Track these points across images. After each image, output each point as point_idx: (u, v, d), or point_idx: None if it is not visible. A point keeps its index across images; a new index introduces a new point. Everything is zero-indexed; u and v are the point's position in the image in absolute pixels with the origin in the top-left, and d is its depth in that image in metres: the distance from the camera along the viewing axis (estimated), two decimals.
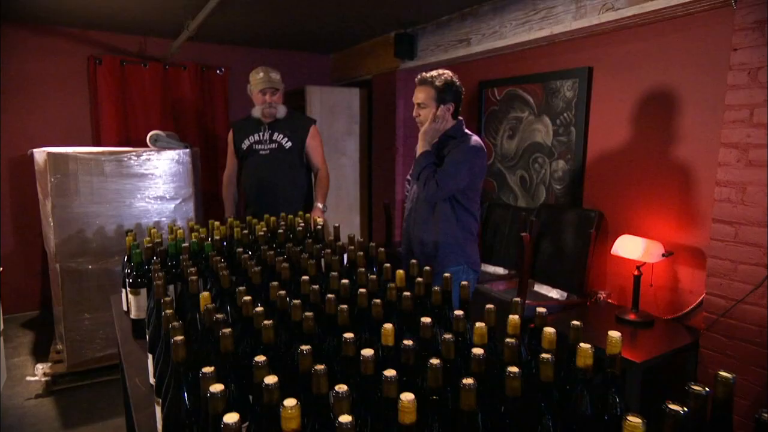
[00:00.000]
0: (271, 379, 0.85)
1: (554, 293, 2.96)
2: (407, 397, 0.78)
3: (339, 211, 5.07)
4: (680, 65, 2.54)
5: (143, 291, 1.75)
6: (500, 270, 3.40)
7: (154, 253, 1.82)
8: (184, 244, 1.83)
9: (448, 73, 2.18)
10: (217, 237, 2.03)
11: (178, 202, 3.23)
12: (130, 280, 1.75)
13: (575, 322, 1.09)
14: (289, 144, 2.90)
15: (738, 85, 2.09)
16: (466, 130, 2.24)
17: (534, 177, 3.38)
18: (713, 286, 2.21)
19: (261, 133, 2.94)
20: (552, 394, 0.94)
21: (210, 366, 0.89)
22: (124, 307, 2.03)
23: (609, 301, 2.87)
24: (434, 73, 2.18)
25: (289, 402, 0.76)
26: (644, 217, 2.73)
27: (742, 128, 2.09)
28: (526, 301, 2.64)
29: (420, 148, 2.22)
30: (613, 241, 2.66)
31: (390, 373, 0.86)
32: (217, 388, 0.81)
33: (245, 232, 2.07)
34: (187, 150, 3.25)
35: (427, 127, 2.19)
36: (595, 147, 2.99)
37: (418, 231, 2.31)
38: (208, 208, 4.40)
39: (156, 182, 3.15)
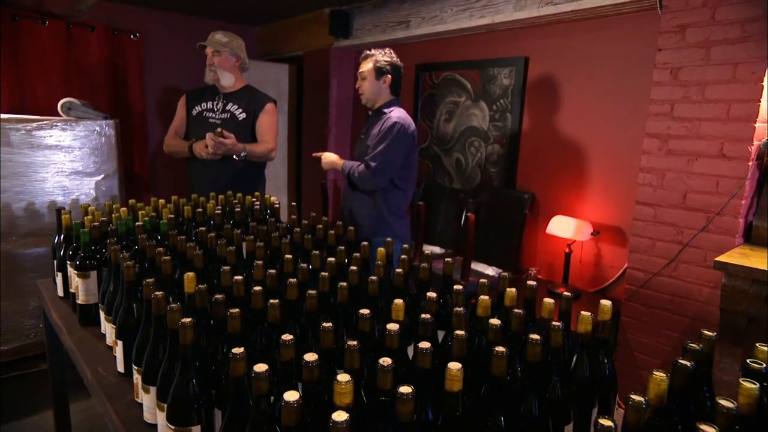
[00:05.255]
0: (311, 357, 0.83)
1: (490, 270, 3.14)
2: (455, 366, 0.81)
3: (266, 189, 4.90)
4: (609, 60, 2.78)
5: (93, 274, 1.59)
6: (437, 249, 3.53)
7: (104, 233, 1.66)
8: (138, 223, 1.69)
9: (388, 50, 2.43)
10: (170, 216, 1.89)
11: (99, 177, 2.94)
12: (78, 263, 1.58)
13: (567, 293, 1.19)
14: (243, 116, 2.75)
15: (661, 82, 2.34)
16: (395, 108, 2.42)
17: (470, 160, 3.53)
18: (634, 261, 2.49)
19: (214, 102, 2.77)
20: (560, 358, 1.03)
21: (240, 347, 0.86)
22: (60, 293, 1.83)
23: (539, 276, 3.11)
24: (376, 49, 2.42)
25: (343, 377, 0.76)
26: (573, 199, 2.98)
27: (663, 121, 2.35)
28: (469, 278, 2.78)
29: (338, 167, 2.45)
30: (544, 222, 2.88)
31: (425, 345, 0.89)
32: (261, 368, 0.78)
33: (199, 210, 1.96)
34: (111, 121, 2.96)
35: (326, 164, 2.50)
36: (529, 133, 3.19)
37: (349, 203, 2.48)
38: (128, 187, 4.06)
39: (74, 156, 2.84)
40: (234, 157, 2.65)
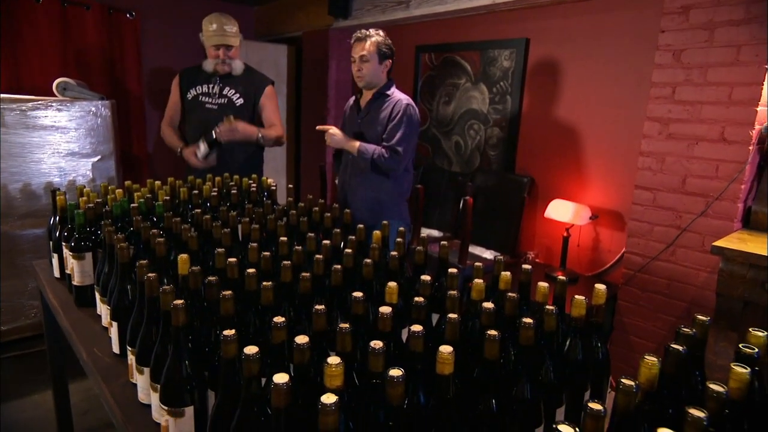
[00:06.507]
0: (302, 339, 0.83)
1: (488, 254, 3.14)
2: (446, 349, 0.80)
3: (264, 172, 4.89)
4: (611, 42, 2.74)
5: (88, 255, 1.59)
6: (435, 232, 3.52)
7: (99, 214, 1.66)
8: (133, 205, 1.68)
9: (383, 32, 2.35)
10: (166, 197, 1.89)
11: (96, 159, 2.92)
12: (73, 244, 1.58)
13: (562, 277, 1.18)
14: (241, 101, 2.69)
15: (663, 64, 2.31)
16: (395, 89, 2.39)
17: (469, 143, 3.50)
18: (632, 246, 2.48)
19: (210, 85, 2.69)
20: (553, 341, 1.03)
21: (231, 329, 0.86)
22: (56, 274, 1.83)
23: (536, 260, 3.11)
24: (372, 30, 2.34)
25: (334, 360, 0.76)
26: (572, 183, 2.97)
27: (664, 104, 2.32)
28: (467, 262, 2.78)
29: (352, 148, 2.33)
30: (543, 205, 2.87)
31: (416, 328, 0.88)
32: (251, 350, 0.78)
33: (195, 192, 1.94)
34: (107, 102, 2.93)
35: (336, 141, 2.37)
36: (529, 116, 3.16)
37: (355, 186, 2.42)
38: (126, 168, 4.04)
39: (70, 136, 2.82)
40: (257, 140, 2.62)
